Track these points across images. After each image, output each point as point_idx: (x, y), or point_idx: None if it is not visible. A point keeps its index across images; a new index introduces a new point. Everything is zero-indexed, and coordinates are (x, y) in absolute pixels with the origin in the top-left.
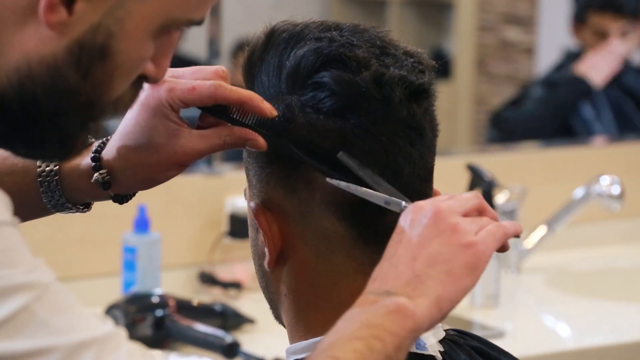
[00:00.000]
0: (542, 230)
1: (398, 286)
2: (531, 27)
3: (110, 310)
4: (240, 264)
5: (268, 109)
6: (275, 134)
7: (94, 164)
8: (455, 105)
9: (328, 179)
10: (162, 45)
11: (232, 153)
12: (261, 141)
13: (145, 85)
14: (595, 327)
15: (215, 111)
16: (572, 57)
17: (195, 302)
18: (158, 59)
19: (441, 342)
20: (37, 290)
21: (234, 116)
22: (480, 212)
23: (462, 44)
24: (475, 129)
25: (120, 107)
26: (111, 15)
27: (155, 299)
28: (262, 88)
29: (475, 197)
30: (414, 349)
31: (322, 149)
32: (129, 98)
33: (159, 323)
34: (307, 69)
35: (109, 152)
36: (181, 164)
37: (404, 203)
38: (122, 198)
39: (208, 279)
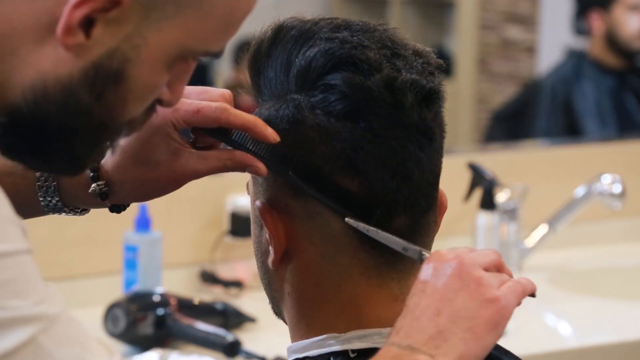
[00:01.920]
0: (543, 229)
1: (421, 342)
2: (532, 25)
3: (111, 309)
4: (242, 262)
5: (271, 134)
6: (277, 162)
7: (92, 174)
8: (457, 104)
9: (347, 220)
10: (178, 72)
11: None
12: (262, 167)
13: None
14: (597, 325)
15: (217, 133)
16: (574, 55)
17: (196, 300)
18: (173, 84)
19: None
20: (44, 323)
21: (235, 139)
22: (498, 269)
23: (463, 43)
24: (477, 127)
25: (133, 129)
26: (128, 41)
27: (156, 298)
28: (269, 83)
29: (494, 253)
30: None
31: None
32: (142, 120)
33: (160, 322)
34: (318, 70)
35: (109, 164)
36: (179, 183)
37: (423, 251)
38: (118, 208)
39: (209, 278)
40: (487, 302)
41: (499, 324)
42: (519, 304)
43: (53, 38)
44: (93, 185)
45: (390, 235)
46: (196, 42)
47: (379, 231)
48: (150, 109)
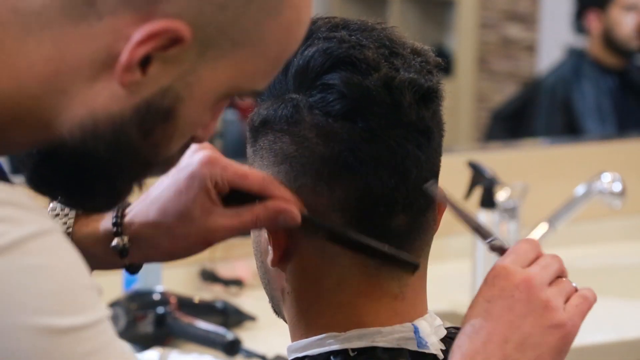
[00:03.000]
0: (543, 227)
1: None
2: (532, 24)
3: (111, 308)
4: (242, 261)
5: (297, 216)
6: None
7: (115, 228)
8: (457, 102)
9: (447, 206)
10: (216, 108)
11: (234, 150)
12: (297, 214)
13: (203, 158)
14: (597, 324)
15: (250, 197)
16: (573, 54)
17: (196, 299)
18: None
19: (443, 340)
20: None
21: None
22: (559, 275)
23: (463, 42)
24: (477, 126)
25: (168, 166)
26: (182, 79)
27: (156, 297)
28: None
29: (557, 262)
30: (415, 348)
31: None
32: (177, 158)
33: (160, 320)
34: (316, 70)
35: (136, 216)
36: (209, 241)
37: (492, 239)
38: (135, 268)
39: (209, 276)
40: (553, 328)
41: (563, 350)
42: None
43: (106, 74)
44: (116, 239)
45: (472, 218)
46: (246, 81)
47: (467, 214)
48: (185, 146)
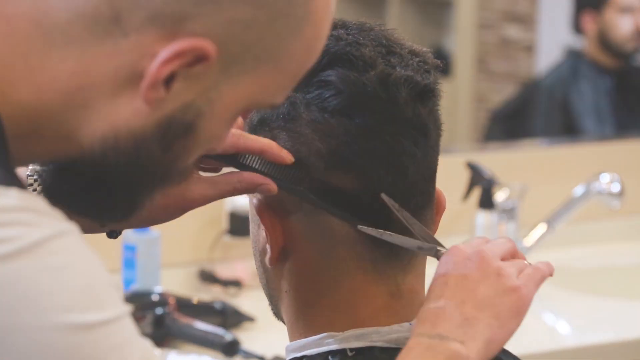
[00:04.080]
0: (542, 228)
1: (449, 330)
2: (531, 24)
3: None
4: (240, 262)
5: (286, 155)
6: (289, 180)
7: None
8: (455, 103)
9: (359, 227)
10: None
11: None
12: (273, 185)
13: None
14: (595, 324)
15: (224, 157)
16: (571, 55)
17: (195, 300)
18: None
19: None
20: None
21: (244, 162)
22: (513, 256)
23: (462, 42)
24: (475, 126)
25: (183, 177)
26: (204, 95)
27: (155, 297)
28: None
29: (508, 242)
30: None
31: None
32: (192, 168)
33: (159, 321)
34: (313, 67)
35: None
36: (187, 209)
37: (438, 247)
38: (116, 233)
39: (208, 277)
40: (508, 291)
41: (520, 310)
42: (538, 288)
43: (129, 90)
44: None
45: (404, 237)
46: (266, 96)
47: (392, 234)
48: (200, 158)
